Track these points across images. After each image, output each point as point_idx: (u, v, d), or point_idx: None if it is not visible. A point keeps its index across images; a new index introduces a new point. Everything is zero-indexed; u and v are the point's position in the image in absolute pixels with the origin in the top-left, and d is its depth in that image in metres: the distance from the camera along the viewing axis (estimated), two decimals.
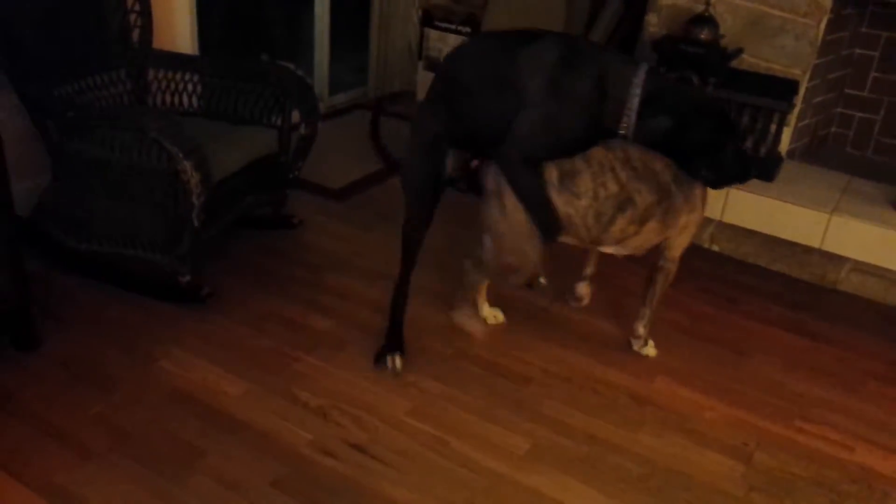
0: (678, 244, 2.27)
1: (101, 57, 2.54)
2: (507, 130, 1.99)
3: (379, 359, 2.23)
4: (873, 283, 2.84)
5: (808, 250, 2.85)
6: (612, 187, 2.04)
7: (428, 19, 4.40)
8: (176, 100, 2.75)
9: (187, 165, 2.10)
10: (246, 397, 2.06)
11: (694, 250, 3.11)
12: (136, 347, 2.20)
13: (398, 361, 2.22)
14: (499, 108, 2.00)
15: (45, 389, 2.03)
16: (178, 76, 2.74)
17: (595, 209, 2.06)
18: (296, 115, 2.70)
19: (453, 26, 4.32)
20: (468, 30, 4.26)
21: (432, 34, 4.38)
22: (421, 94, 4.46)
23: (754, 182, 2.89)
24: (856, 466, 2.05)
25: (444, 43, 4.35)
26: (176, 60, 2.77)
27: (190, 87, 2.75)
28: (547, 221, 2.06)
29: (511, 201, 2.06)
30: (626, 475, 1.94)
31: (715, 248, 3.12)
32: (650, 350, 2.44)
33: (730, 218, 2.93)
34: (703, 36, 2.86)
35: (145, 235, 2.31)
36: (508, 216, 2.08)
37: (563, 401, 2.18)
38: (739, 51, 2.93)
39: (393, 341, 2.25)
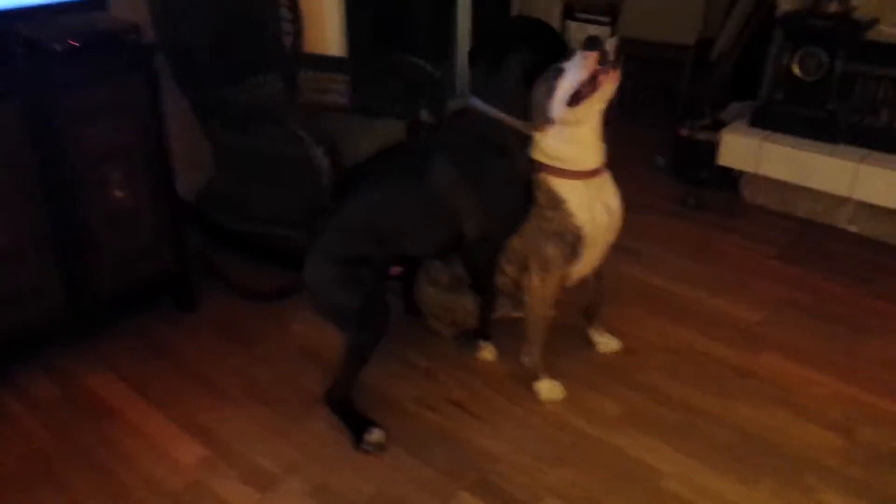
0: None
1: (257, 62, 2.92)
2: (452, 243, 2.08)
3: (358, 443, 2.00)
4: None
5: None
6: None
7: (569, 12, 4.50)
8: (322, 97, 3.08)
9: (318, 151, 2.40)
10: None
11: (830, 231, 3.01)
12: (275, 312, 2.53)
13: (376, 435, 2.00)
14: (438, 233, 2.05)
15: (196, 344, 2.40)
16: (324, 76, 3.07)
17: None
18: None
19: (594, 17, 4.40)
20: (608, 19, 4.31)
21: (573, 26, 4.48)
22: None
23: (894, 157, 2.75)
24: None
25: (582, 33, 4.43)
26: (322, 62, 3.10)
27: (334, 85, 3.08)
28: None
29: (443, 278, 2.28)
30: (716, 441, 1.98)
31: (853, 228, 2.98)
32: (543, 390, 2.17)
33: (863, 195, 2.80)
34: (832, 9, 2.76)
35: (289, 216, 2.64)
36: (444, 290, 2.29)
37: (663, 371, 2.24)
38: (874, 21, 2.79)
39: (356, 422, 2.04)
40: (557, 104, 1.90)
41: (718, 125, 3.23)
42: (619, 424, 2.05)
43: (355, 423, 2.00)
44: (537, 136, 1.99)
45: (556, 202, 1.99)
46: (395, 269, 2.15)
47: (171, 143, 2.33)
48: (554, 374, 2.18)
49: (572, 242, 2.01)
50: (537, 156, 2.01)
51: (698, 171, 3.31)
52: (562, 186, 1.99)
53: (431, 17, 4.43)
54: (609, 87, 1.89)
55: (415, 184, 2.01)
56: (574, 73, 1.88)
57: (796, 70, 2.93)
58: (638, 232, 2.97)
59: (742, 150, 3.06)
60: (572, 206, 1.99)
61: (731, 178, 3.25)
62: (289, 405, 2.13)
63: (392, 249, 2.04)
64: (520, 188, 2.02)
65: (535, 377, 2.18)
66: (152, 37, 2.48)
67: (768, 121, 3.02)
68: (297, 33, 3.09)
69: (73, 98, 2.04)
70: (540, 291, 2.08)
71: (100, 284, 2.24)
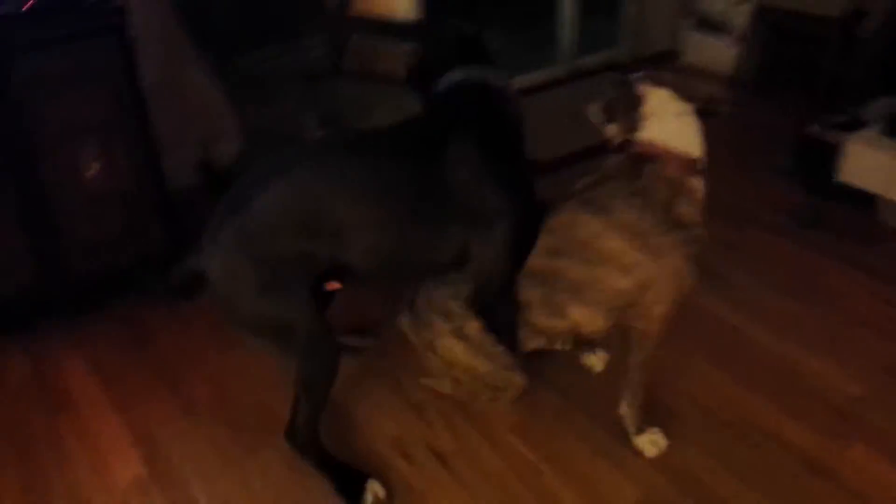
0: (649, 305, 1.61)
1: (292, 24, 2.58)
2: (444, 264, 1.59)
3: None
4: None
5: None
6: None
7: None
8: (368, 66, 2.71)
9: (320, 136, 2.07)
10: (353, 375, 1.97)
11: None
12: None
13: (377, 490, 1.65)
14: (433, 244, 1.55)
15: (181, 339, 2.15)
16: (371, 42, 2.69)
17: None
18: None
19: None
20: None
21: None
22: (690, 57, 3.94)
23: None
24: None
25: (713, 5, 3.75)
26: (371, 26, 2.72)
27: (382, 52, 2.69)
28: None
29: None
30: None
31: None
32: (647, 445, 1.74)
33: None
34: None
35: None
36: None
37: (708, 450, 1.74)
38: None
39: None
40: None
41: (856, 125, 2.55)
42: None
43: (342, 478, 1.63)
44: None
45: (697, 216, 1.56)
46: (332, 284, 1.61)
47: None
48: (565, 443, 1.76)
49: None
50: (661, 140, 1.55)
51: (826, 180, 2.65)
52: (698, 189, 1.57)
53: None
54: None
55: (421, 164, 1.50)
56: None
57: None
58: (732, 252, 2.42)
59: (871, 166, 2.38)
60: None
61: (867, 193, 2.57)
62: (250, 430, 1.84)
63: (346, 256, 1.50)
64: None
65: (639, 431, 1.74)
66: None
67: None
68: None
69: (31, 66, 1.81)
70: (664, 325, 1.64)
71: (74, 265, 2.05)
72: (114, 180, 2.01)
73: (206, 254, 1.46)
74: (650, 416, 1.78)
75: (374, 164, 1.50)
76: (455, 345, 1.62)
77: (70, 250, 2.02)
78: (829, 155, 2.60)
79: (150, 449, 1.81)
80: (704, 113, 1.57)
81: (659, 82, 1.58)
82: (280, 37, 2.53)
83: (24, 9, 1.76)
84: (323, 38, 2.65)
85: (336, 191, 1.45)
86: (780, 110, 3.37)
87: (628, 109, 1.56)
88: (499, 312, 1.61)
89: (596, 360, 1.97)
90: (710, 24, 3.77)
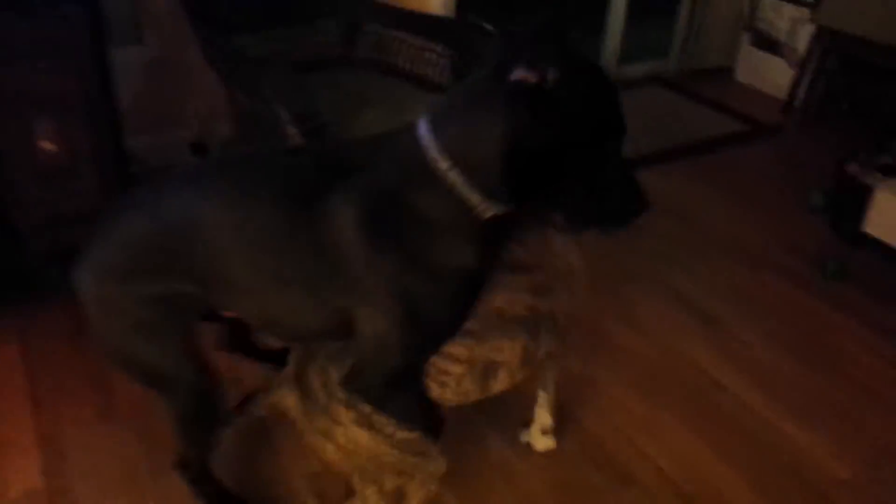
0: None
1: (300, 7, 2.46)
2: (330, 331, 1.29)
3: None
4: None
5: None
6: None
7: None
8: (378, 57, 2.58)
9: (293, 132, 1.93)
10: None
11: None
12: None
13: None
14: (308, 307, 1.25)
15: None
16: (386, 33, 2.55)
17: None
18: None
19: None
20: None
21: (766, 3, 3.51)
22: (743, 75, 3.67)
23: None
24: None
25: (777, 14, 3.46)
26: (387, 16, 2.58)
27: (394, 45, 2.55)
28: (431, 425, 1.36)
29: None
30: None
31: None
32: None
33: None
34: None
35: None
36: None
37: None
38: None
39: None
40: None
41: None
42: None
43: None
44: None
45: None
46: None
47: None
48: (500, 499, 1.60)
49: None
50: None
51: (857, 226, 2.39)
52: None
53: None
54: None
55: (299, 213, 1.19)
56: None
57: None
58: (736, 297, 2.22)
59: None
60: None
61: None
62: (161, 446, 1.62)
63: (220, 300, 1.29)
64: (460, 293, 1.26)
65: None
66: None
67: None
68: None
69: None
70: None
71: (24, 245, 1.97)
72: (72, 157, 1.92)
73: (77, 273, 1.29)
74: (601, 478, 1.60)
75: (245, 207, 1.22)
76: (360, 434, 1.29)
77: (21, 229, 1.94)
78: (863, 198, 2.34)
79: (54, 457, 1.68)
80: None
81: None
82: (293, 19, 2.41)
83: None
84: (338, 24, 2.52)
85: (197, 234, 1.21)
86: (830, 143, 3.09)
87: None
88: (396, 399, 1.30)
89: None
90: (769, 43, 3.49)
